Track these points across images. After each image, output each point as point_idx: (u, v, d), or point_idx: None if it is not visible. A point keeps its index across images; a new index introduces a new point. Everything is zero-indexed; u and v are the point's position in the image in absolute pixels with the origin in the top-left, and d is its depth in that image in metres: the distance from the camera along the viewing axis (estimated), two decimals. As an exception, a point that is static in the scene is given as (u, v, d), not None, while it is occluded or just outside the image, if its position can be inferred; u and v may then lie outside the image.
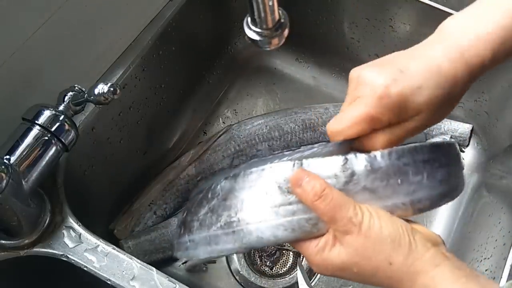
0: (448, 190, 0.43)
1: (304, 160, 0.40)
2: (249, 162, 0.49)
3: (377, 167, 0.40)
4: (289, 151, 0.50)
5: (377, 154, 0.40)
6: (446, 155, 0.44)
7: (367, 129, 0.40)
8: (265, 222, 0.40)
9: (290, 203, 0.40)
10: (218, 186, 0.43)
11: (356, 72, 0.43)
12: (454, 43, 0.41)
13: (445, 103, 0.41)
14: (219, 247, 0.42)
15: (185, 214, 0.47)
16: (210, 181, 0.45)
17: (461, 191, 0.45)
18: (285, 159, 0.44)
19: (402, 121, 0.41)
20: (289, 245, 0.81)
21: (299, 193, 0.39)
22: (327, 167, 0.40)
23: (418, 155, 0.41)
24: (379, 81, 0.40)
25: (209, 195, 0.44)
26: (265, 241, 0.41)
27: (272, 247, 0.80)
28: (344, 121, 0.41)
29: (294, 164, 0.40)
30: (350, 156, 0.40)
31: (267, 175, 0.41)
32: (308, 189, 0.39)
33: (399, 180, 0.40)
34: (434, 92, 0.40)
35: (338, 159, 0.40)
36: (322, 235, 0.40)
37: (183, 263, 0.79)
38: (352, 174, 0.39)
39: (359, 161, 0.40)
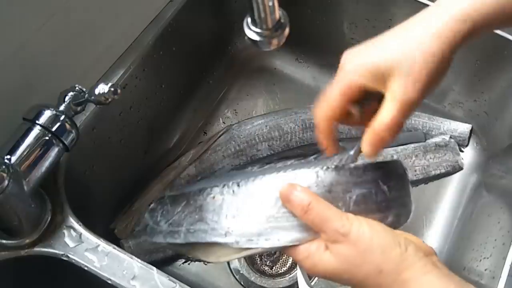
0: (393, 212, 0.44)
1: (289, 171, 0.42)
2: (242, 171, 0.50)
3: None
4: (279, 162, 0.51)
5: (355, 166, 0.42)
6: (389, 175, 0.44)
7: (344, 104, 0.43)
8: (258, 227, 0.42)
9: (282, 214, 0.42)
10: (210, 191, 0.44)
11: (343, 56, 0.45)
12: (436, 18, 0.41)
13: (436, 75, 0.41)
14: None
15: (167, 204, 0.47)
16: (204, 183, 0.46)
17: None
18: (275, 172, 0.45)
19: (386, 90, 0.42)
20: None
21: (289, 207, 0.41)
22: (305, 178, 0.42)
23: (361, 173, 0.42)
24: (349, 55, 0.44)
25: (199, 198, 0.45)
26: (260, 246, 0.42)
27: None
28: (321, 105, 0.44)
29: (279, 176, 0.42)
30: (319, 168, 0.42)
31: (263, 186, 0.43)
32: (296, 203, 0.40)
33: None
34: (412, 63, 0.40)
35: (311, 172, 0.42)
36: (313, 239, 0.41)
37: (183, 263, 0.79)
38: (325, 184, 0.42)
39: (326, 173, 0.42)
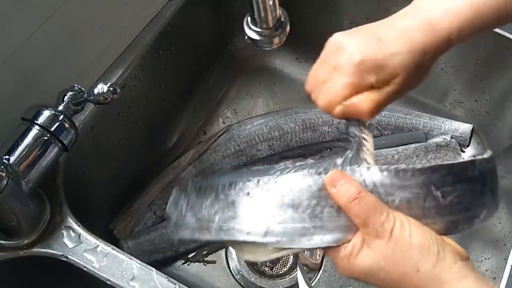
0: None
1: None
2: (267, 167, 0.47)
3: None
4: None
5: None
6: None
7: (350, 95, 0.43)
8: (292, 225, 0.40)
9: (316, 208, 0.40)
10: (242, 185, 0.42)
11: (335, 38, 0.46)
12: (423, 16, 0.44)
13: (417, 69, 0.44)
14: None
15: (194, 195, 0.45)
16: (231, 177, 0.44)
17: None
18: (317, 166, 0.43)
19: (382, 85, 0.43)
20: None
21: (333, 193, 0.39)
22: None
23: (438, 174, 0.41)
24: (356, 48, 0.43)
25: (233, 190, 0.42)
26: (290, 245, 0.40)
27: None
28: (332, 91, 0.44)
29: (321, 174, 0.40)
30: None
31: (296, 181, 0.40)
32: (343, 191, 0.39)
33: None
34: (407, 58, 0.43)
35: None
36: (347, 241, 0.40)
37: (183, 263, 0.79)
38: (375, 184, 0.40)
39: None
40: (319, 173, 0.40)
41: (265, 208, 0.41)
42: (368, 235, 0.39)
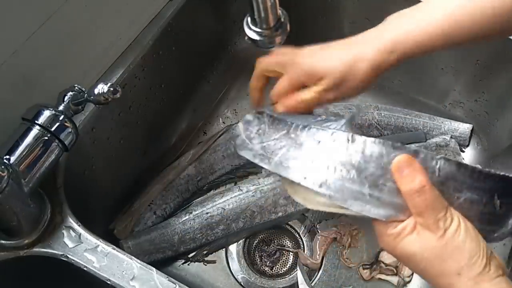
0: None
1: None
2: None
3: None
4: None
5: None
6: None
7: (289, 90, 0.52)
8: (350, 184, 0.40)
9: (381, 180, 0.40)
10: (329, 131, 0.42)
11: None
12: (377, 30, 0.50)
13: (348, 76, 0.49)
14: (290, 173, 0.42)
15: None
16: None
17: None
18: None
19: (313, 84, 0.51)
20: (289, 246, 0.81)
21: (397, 178, 0.40)
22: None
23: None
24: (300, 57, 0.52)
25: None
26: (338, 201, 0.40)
27: (272, 247, 0.80)
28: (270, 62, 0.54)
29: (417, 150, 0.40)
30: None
31: (372, 147, 0.40)
32: (408, 180, 0.39)
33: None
34: (335, 62, 0.50)
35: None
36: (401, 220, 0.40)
37: (183, 263, 0.79)
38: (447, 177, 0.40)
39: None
40: (395, 147, 0.40)
41: (330, 160, 0.40)
42: (421, 224, 0.40)
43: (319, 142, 0.41)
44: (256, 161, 0.44)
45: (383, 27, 0.50)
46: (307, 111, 0.52)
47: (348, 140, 0.40)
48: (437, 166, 0.40)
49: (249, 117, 0.48)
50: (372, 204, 0.40)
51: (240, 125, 0.48)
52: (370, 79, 0.49)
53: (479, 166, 0.40)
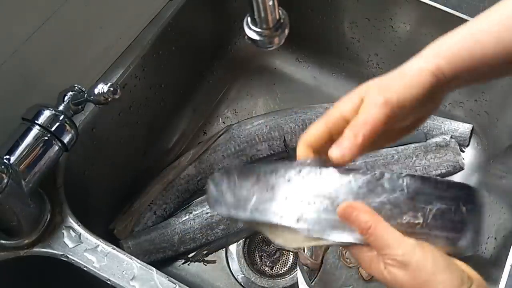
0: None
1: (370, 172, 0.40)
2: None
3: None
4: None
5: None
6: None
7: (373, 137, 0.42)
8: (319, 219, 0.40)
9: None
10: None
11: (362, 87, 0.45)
12: (428, 59, 0.44)
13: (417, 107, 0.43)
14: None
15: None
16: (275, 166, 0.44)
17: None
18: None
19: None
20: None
21: (348, 224, 0.39)
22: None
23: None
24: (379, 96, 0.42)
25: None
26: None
27: (273, 247, 0.80)
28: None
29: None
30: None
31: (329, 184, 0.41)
32: (355, 224, 0.39)
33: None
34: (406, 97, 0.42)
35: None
36: None
37: (183, 263, 0.79)
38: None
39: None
40: (362, 172, 0.40)
41: (302, 195, 0.41)
42: (385, 262, 0.39)
43: (289, 180, 0.42)
44: (232, 213, 0.44)
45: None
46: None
47: (317, 174, 0.42)
48: (404, 184, 0.40)
49: (216, 175, 0.48)
50: (348, 230, 0.40)
51: (210, 186, 0.48)
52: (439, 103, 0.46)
53: (440, 179, 0.41)
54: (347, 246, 0.42)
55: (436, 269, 0.37)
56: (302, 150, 0.45)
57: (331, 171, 0.41)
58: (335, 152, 0.40)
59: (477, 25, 0.45)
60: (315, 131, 0.44)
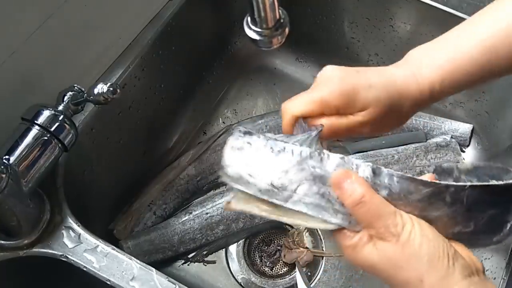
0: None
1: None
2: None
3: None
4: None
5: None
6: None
7: (316, 111, 0.45)
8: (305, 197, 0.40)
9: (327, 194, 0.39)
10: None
11: (324, 68, 0.48)
12: (411, 67, 0.47)
13: (391, 110, 0.45)
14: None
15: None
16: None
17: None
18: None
19: (349, 113, 0.45)
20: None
21: (338, 193, 0.39)
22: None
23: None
24: (335, 73, 0.46)
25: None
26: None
27: (273, 247, 0.80)
28: (297, 101, 0.46)
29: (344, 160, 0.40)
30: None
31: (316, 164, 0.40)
32: (348, 193, 0.38)
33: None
34: (382, 94, 0.45)
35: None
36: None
37: (183, 263, 0.79)
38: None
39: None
40: (357, 165, 0.40)
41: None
42: (374, 235, 0.38)
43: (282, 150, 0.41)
44: (265, 197, 0.40)
45: (418, 63, 0.48)
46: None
47: (311, 157, 0.40)
48: (465, 197, 0.39)
49: (237, 142, 0.41)
50: (327, 213, 0.39)
51: (228, 152, 0.41)
52: (410, 116, 0.48)
53: (497, 183, 0.40)
54: (328, 230, 0.40)
55: (423, 240, 0.37)
56: (289, 121, 0.46)
57: (328, 155, 0.40)
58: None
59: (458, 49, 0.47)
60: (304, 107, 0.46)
